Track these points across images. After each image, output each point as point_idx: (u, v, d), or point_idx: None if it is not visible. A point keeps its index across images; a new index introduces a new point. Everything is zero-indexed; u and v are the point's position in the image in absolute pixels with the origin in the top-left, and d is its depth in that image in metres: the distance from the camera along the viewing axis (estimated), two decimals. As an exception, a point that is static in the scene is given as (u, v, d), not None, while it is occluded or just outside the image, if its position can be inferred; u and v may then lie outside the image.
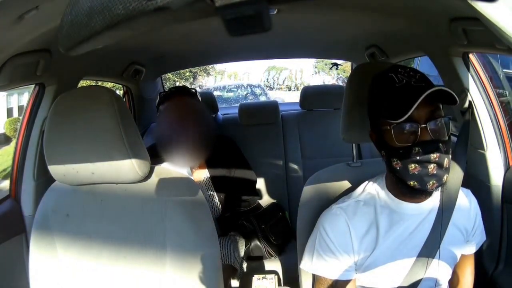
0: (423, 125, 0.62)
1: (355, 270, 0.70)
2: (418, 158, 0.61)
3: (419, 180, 0.62)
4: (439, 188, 0.65)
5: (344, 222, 0.69)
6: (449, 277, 0.72)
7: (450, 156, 0.64)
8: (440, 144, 0.61)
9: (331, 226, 0.69)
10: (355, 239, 0.68)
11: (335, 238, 0.69)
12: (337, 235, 0.69)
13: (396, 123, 0.62)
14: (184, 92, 1.24)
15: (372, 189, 0.72)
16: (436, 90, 0.60)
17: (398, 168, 0.64)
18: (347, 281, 0.69)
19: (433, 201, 0.69)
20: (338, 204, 0.72)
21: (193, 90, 1.28)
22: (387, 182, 0.71)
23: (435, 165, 0.61)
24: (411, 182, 0.63)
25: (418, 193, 0.65)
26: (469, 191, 0.76)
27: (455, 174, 0.72)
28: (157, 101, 1.25)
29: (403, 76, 0.64)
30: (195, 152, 1.16)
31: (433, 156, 0.61)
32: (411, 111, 0.59)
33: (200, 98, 1.27)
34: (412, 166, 0.62)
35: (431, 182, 0.62)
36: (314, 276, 0.75)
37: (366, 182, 0.75)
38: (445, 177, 0.63)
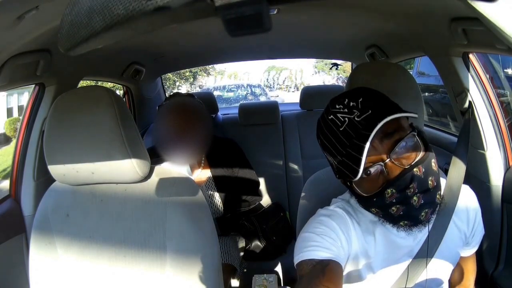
0: (387, 161, 0.53)
1: (346, 262, 0.64)
2: (395, 200, 0.54)
3: (409, 218, 0.55)
4: (437, 211, 0.58)
5: (333, 224, 0.63)
6: (449, 276, 0.72)
7: (434, 166, 0.56)
8: (415, 169, 0.53)
9: (320, 224, 0.64)
10: (345, 242, 0.62)
11: (325, 230, 0.62)
12: (326, 229, 0.62)
13: (354, 180, 0.54)
14: (181, 95, 1.28)
15: None
16: (392, 107, 0.52)
17: (381, 216, 0.58)
18: (336, 263, 0.60)
19: None
20: (325, 210, 0.67)
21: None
22: None
23: (418, 195, 0.54)
24: (402, 223, 0.56)
25: (414, 227, 0.58)
26: (467, 187, 0.72)
27: (456, 174, 0.70)
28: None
29: (343, 113, 0.55)
30: (192, 151, 1.17)
31: (411, 190, 0.53)
32: (362, 165, 0.51)
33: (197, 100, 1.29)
34: (393, 210, 0.55)
35: (423, 213, 0.55)
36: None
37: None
38: (437, 197, 0.56)
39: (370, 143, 0.52)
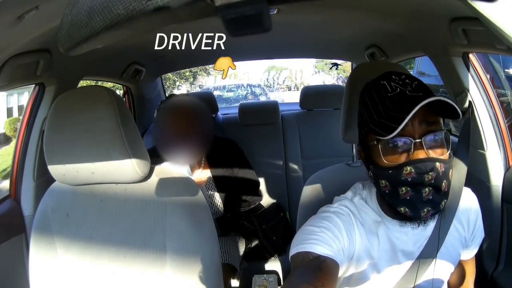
0: (417, 140, 0.55)
1: (346, 262, 0.63)
2: (409, 179, 0.54)
3: (411, 206, 0.55)
4: (436, 217, 0.59)
5: (338, 221, 0.63)
6: (449, 277, 0.72)
7: (451, 176, 0.57)
8: (437, 164, 0.54)
9: (323, 219, 0.63)
10: (347, 242, 0.62)
11: (328, 226, 0.61)
12: (330, 225, 0.61)
13: (384, 139, 0.55)
14: (179, 95, 1.28)
15: (364, 195, 0.66)
16: (436, 101, 0.52)
17: (387, 192, 0.57)
18: (334, 262, 0.58)
19: None
20: (329, 207, 0.66)
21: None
22: (378, 197, 0.64)
23: (430, 188, 0.54)
24: (402, 208, 0.56)
25: (409, 220, 0.58)
26: (469, 190, 0.71)
27: (457, 175, 0.68)
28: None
29: (397, 84, 0.57)
30: (193, 151, 1.17)
31: (428, 177, 0.54)
32: (403, 124, 0.52)
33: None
34: (403, 190, 0.55)
35: (425, 210, 0.55)
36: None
37: (357, 186, 0.69)
38: (442, 204, 0.56)
39: (411, 120, 0.53)
